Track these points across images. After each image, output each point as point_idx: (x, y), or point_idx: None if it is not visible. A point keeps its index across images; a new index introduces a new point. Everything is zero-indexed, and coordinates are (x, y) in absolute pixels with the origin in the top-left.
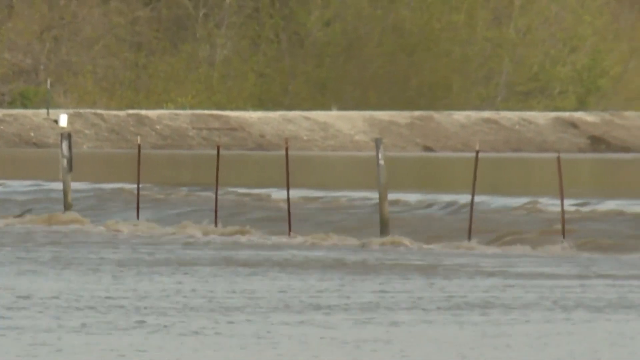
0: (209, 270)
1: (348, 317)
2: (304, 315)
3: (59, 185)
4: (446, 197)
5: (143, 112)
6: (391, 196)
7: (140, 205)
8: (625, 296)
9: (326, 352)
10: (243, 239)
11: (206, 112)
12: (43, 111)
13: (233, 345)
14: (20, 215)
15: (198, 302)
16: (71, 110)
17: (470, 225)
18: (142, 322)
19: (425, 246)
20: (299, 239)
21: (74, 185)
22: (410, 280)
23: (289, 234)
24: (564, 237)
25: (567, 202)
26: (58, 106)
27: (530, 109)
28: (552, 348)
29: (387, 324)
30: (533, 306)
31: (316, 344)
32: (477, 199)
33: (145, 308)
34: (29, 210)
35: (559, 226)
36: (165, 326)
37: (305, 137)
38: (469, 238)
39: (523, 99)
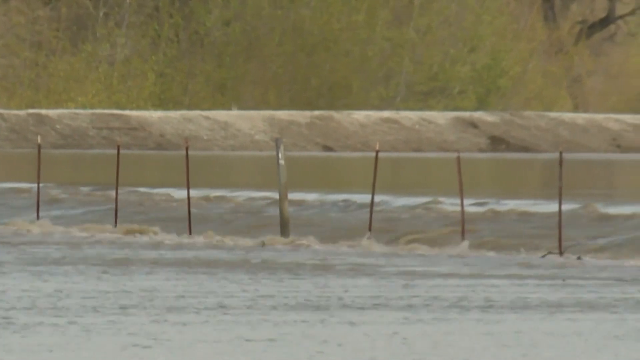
0: (105, 269)
1: (246, 317)
2: (202, 315)
3: None
4: (346, 197)
5: (43, 111)
6: (291, 196)
7: (41, 206)
8: (523, 296)
9: (220, 352)
10: (143, 238)
11: (106, 111)
12: None
13: (127, 344)
14: None
15: (94, 302)
16: None
17: (371, 225)
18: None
19: (324, 245)
20: (199, 239)
21: None
22: (305, 279)
23: (189, 234)
24: (463, 236)
25: (467, 201)
26: None
27: (430, 108)
28: (447, 348)
29: (281, 323)
30: (430, 305)
31: (209, 344)
32: (377, 198)
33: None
34: None
35: (458, 226)
36: (57, 325)
37: (205, 137)
38: (369, 237)
39: (423, 99)
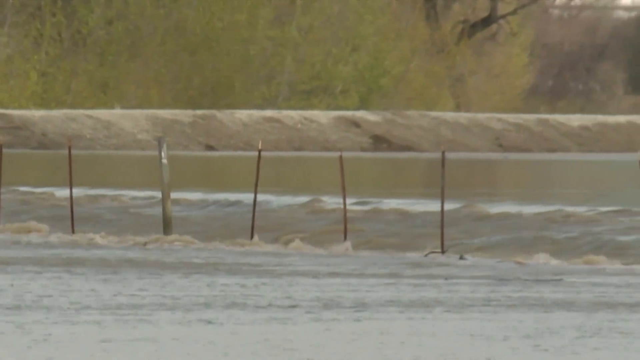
0: None
1: (118, 317)
2: (79, 316)
3: None
4: (229, 196)
5: None
6: (174, 195)
7: None
8: (398, 295)
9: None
10: (26, 237)
11: None
12: None
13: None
14: None
15: None
16: None
17: (253, 224)
18: None
19: (208, 244)
20: (83, 238)
21: None
22: (190, 278)
23: (72, 233)
24: (346, 236)
25: (349, 201)
26: None
27: (313, 108)
28: (329, 347)
29: (165, 322)
30: (311, 304)
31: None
32: (260, 197)
33: None
34: None
35: (341, 225)
36: None
37: (88, 136)
38: (252, 236)
39: (305, 98)
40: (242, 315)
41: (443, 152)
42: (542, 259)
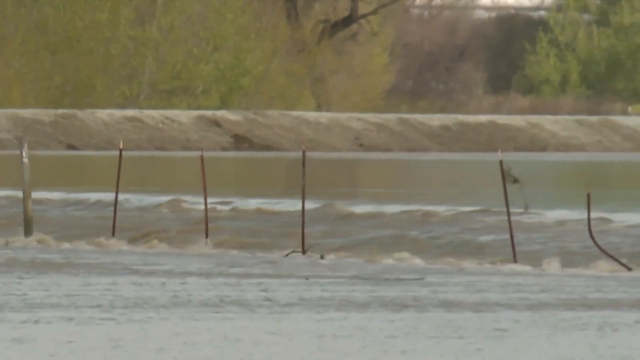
0: None
1: None
2: None
3: None
4: (90, 196)
5: None
6: (35, 194)
7: None
8: (253, 295)
9: None
10: None
11: None
12: None
13: None
14: None
15: None
16: None
17: (114, 223)
18: None
19: (68, 244)
20: None
21: None
22: (47, 277)
23: None
24: (207, 235)
25: (210, 200)
26: None
27: (174, 107)
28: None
29: (32, 322)
30: (162, 304)
31: None
32: (121, 197)
33: None
34: None
35: (202, 224)
36: None
37: None
38: (113, 235)
39: (166, 98)
40: (77, 314)
41: (304, 152)
42: (403, 258)
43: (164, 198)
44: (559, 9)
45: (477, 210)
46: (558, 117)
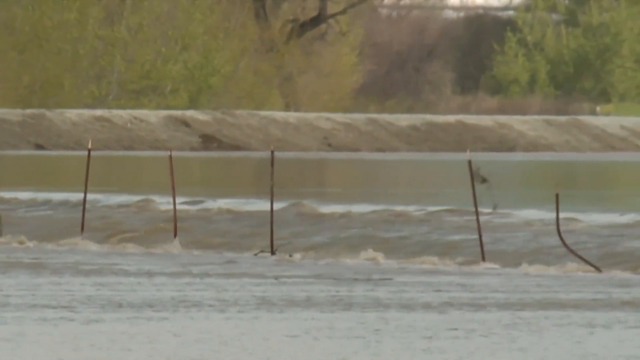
0: None
1: None
2: None
3: None
4: (59, 196)
5: None
6: (3, 194)
7: None
8: (222, 294)
9: None
10: None
11: None
12: None
13: None
14: None
15: None
16: None
17: (83, 223)
18: None
19: (37, 244)
20: None
21: None
22: (17, 277)
23: None
24: (175, 235)
25: (179, 200)
26: None
27: (142, 107)
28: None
29: (11, 321)
30: (135, 303)
31: None
32: (90, 197)
33: None
34: None
35: (170, 224)
36: None
37: None
38: (81, 234)
39: (135, 97)
40: (41, 314)
41: (272, 152)
42: (372, 259)
43: (133, 198)
44: (527, 8)
45: (445, 210)
46: (526, 117)
